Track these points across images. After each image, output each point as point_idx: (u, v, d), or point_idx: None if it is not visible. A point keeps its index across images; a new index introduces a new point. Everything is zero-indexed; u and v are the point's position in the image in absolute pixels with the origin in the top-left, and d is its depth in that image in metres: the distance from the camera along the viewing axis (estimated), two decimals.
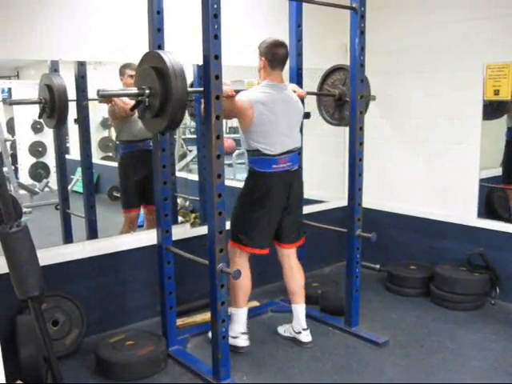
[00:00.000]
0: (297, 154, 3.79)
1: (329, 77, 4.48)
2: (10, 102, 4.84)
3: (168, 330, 3.77)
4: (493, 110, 4.70)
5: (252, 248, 3.72)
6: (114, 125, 4.69)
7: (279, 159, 3.62)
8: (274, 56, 3.62)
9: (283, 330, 4.09)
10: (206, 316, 3.83)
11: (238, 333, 3.72)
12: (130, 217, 4.70)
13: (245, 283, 3.73)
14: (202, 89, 3.10)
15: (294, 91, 3.90)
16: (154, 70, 2.99)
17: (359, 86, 3.81)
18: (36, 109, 3.86)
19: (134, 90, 3.11)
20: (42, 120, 3.95)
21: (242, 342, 3.73)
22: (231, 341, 3.64)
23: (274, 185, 3.64)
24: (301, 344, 3.92)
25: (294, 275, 3.96)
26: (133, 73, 4.46)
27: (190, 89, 3.13)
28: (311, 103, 4.54)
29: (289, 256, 3.94)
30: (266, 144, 3.59)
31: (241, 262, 3.75)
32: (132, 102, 3.26)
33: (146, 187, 4.66)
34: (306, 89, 4.26)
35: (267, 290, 4.78)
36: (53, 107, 3.70)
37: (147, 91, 3.04)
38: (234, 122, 7.50)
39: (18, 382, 3.17)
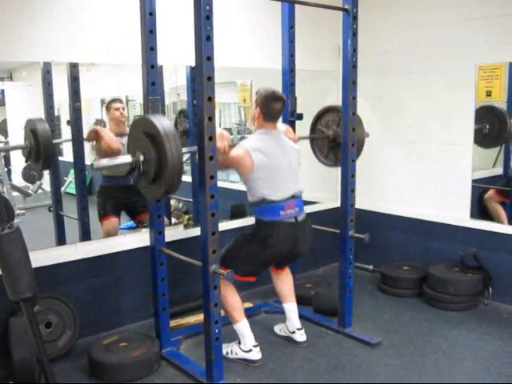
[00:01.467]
0: (301, 199, 3.77)
1: (322, 117, 4.48)
2: None
3: (161, 331, 3.77)
4: (491, 138, 4.75)
5: (239, 276, 3.57)
6: (97, 157, 4.69)
7: (286, 205, 3.61)
8: (269, 110, 3.63)
9: (279, 329, 4.10)
10: (200, 317, 3.83)
11: (251, 346, 3.67)
12: (109, 225, 4.64)
13: (233, 300, 3.67)
14: (195, 147, 3.12)
15: (289, 137, 3.90)
16: (146, 136, 3.01)
17: (351, 88, 3.81)
18: (28, 107, 3.89)
19: (128, 159, 3.12)
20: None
21: (256, 355, 3.67)
22: (244, 355, 3.67)
23: (279, 235, 3.59)
24: (295, 343, 3.93)
25: (282, 278, 4.00)
26: (118, 105, 4.66)
27: (184, 149, 3.16)
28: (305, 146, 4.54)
29: None
30: (270, 189, 3.57)
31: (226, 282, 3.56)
32: (117, 140, 3.28)
33: (131, 208, 4.70)
34: (297, 90, 4.27)
35: (260, 291, 4.77)
36: (38, 152, 3.91)
37: (141, 158, 3.06)
38: (228, 123, 7.52)
39: (11, 383, 3.16)
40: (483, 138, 4.74)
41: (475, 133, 4.66)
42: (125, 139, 4.36)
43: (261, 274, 3.82)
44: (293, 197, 3.66)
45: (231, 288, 3.68)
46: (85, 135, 4.42)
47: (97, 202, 4.77)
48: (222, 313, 3.37)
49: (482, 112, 4.64)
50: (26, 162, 4.08)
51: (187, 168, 5.54)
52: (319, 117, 4.50)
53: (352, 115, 3.85)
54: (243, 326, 3.69)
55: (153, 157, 2.97)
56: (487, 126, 4.71)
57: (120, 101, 4.74)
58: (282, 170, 3.63)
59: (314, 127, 4.53)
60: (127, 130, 4.54)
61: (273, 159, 3.58)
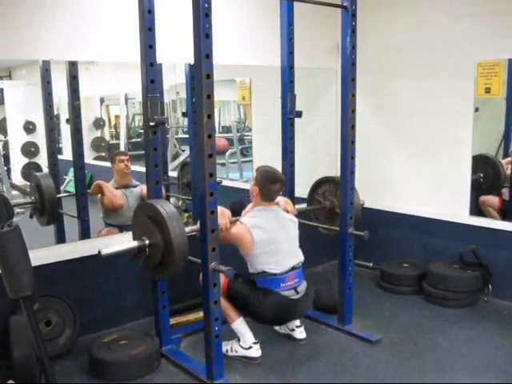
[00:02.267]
0: (301, 269, 3.81)
1: (319, 187, 4.61)
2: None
3: (161, 329, 3.78)
4: (488, 186, 4.84)
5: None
6: (102, 210, 4.74)
7: (286, 277, 3.66)
8: (268, 191, 3.74)
9: (279, 326, 4.11)
10: (199, 315, 3.83)
11: (251, 343, 3.69)
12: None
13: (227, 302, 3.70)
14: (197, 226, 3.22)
15: (287, 210, 3.95)
16: (151, 221, 3.14)
17: (351, 85, 3.82)
18: (28, 108, 3.89)
19: (135, 244, 3.21)
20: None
21: (256, 352, 3.69)
22: (244, 352, 3.69)
23: (279, 307, 3.63)
24: (295, 341, 3.94)
25: None
26: (122, 157, 4.78)
27: (187, 229, 3.28)
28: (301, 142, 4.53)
29: None
30: (271, 264, 3.63)
31: None
32: (120, 197, 3.33)
33: None
34: (296, 87, 4.27)
35: None
36: (43, 207, 4.09)
37: (147, 242, 3.17)
38: (227, 121, 7.52)
39: (10, 381, 3.16)
40: (479, 187, 4.84)
41: (471, 182, 4.75)
42: (129, 191, 4.68)
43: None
44: (293, 268, 3.71)
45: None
46: (85, 136, 4.45)
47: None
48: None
49: (476, 162, 4.73)
50: (31, 217, 4.25)
51: None
52: (316, 186, 4.63)
53: (351, 112, 3.85)
54: (240, 324, 3.71)
55: (158, 240, 3.10)
56: (481, 175, 4.79)
57: (125, 153, 4.94)
58: (282, 244, 3.70)
59: (311, 196, 4.66)
60: (132, 181, 4.75)
61: (272, 235, 3.66)
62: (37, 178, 4.17)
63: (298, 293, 3.71)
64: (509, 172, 4.81)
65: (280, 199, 3.97)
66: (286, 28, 4.20)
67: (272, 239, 3.65)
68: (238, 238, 3.62)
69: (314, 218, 4.68)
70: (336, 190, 4.41)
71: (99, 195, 4.70)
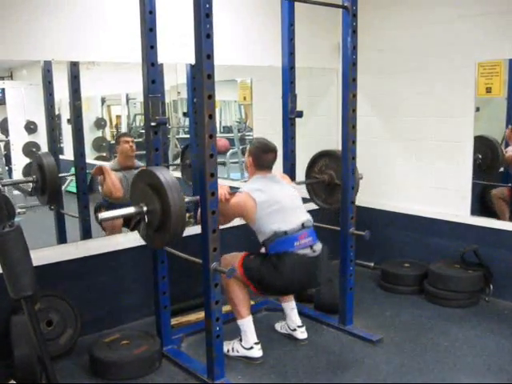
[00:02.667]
0: (313, 229, 3.76)
1: (315, 163, 4.54)
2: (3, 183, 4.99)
3: (162, 329, 3.78)
4: (486, 167, 4.81)
5: (254, 288, 3.68)
6: (101, 190, 4.75)
7: (299, 235, 3.60)
8: (261, 161, 3.75)
9: (279, 326, 4.12)
10: (201, 315, 3.82)
11: (252, 343, 3.67)
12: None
13: (242, 294, 3.68)
14: (198, 197, 3.22)
15: None
16: (149, 188, 3.12)
17: (351, 85, 3.82)
18: (30, 108, 3.89)
19: (132, 209, 3.20)
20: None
21: (257, 352, 3.67)
22: (245, 352, 3.68)
23: (296, 266, 3.55)
24: (296, 341, 3.94)
25: None
26: (127, 139, 4.77)
27: (186, 199, 3.32)
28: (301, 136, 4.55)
29: None
30: (279, 222, 3.57)
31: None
32: (120, 188, 3.32)
33: None
34: (297, 88, 4.28)
35: None
36: (44, 185, 4.02)
37: (145, 208, 3.16)
38: (228, 121, 7.52)
39: (12, 381, 3.17)
40: (478, 168, 4.78)
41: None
42: (130, 173, 4.59)
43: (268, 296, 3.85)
44: (303, 226, 3.65)
45: (240, 284, 3.69)
46: (86, 136, 4.45)
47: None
48: (225, 309, 3.38)
49: (475, 143, 4.69)
50: (32, 195, 4.23)
51: None
52: (313, 163, 4.57)
53: (352, 112, 3.85)
54: (247, 323, 3.69)
55: (156, 206, 3.08)
56: (480, 157, 4.75)
57: (130, 135, 4.92)
58: (285, 202, 3.68)
59: (308, 174, 4.60)
60: (135, 163, 4.73)
61: (273, 195, 3.64)
62: (38, 156, 4.09)
63: (314, 251, 3.64)
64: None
65: (277, 174, 3.95)
66: (287, 28, 4.20)
67: (273, 199, 3.61)
68: (241, 205, 3.59)
69: (314, 196, 4.63)
70: (332, 162, 4.36)
71: (100, 177, 4.68)
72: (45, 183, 4.01)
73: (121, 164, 4.78)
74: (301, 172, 4.56)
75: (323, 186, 4.52)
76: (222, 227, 3.21)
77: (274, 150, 3.79)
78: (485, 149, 4.82)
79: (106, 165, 4.79)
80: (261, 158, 3.75)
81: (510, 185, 4.94)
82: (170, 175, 3.12)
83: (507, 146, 4.80)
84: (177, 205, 3.02)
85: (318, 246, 3.71)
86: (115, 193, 4.60)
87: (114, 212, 3.24)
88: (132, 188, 3.36)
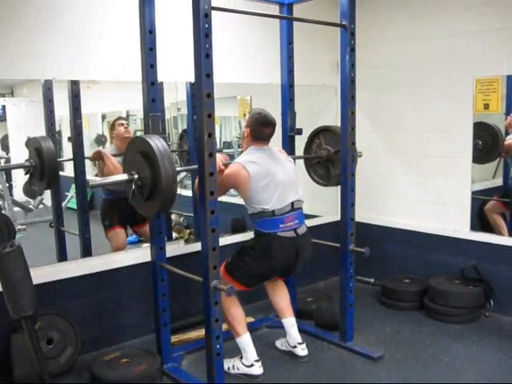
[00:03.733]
0: (302, 212, 3.78)
1: (315, 139, 4.52)
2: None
3: (163, 347, 3.77)
4: (486, 153, 4.78)
5: (241, 285, 3.68)
6: (99, 175, 4.74)
7: (285, 218, 3.62)
8: (259, 134, 3.72)
9: (280, 343, 4.11)
10: (201, 333, 3.83)
11: (252, 361, 3.67)
12: (116, 234, 4.64)
13: (236, 312, 3.69)
14: (195, 166, 3.17)
15: None
16: (141, 155, 3.08)
17: (350, 103, 3.84)
18: (30, 125, 3.90)
19: (124, 177, 3.19)
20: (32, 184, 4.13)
21: (257, 370, 3.67)
22: (246, 370, 3.68)
23: (279, 248, 3.60)
24: (297, 358, 3.93)
25: (279, 293, 4.01)
26: (122, 121, 4.72)
27: (178, 168, 3.32)
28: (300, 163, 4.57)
29: None
30: (269, 200, 3.58)
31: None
32: (121, 169, 3.31)
33: (134, 216, 4.67)
34: (297, 105, 4.30)
35: (261, 305, 4.76)
36: (42, 171, 3.90)
37: (136, 176, 3.13)
38: (228, 136, 7.54)
39: None
40: (477, 154, 4.75)
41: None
42: None
43: (257, 286, 3.81)
44: (293, 208, 3.67)
45: (234, 300, 3.69)
46: (86, 153, 4.45)
47: (100, 215, 4.80)
48: (225, 326, 3.38)
49: (475, 129, 4.67)
50: (30, 181, 4.07)
51: (188, 182, 5.57)
52: (312, 139, 4.54)
53: (351, 130, 3.87)
54: (246, 340, 3.69)
55: (147, 174, 3.04)
56: (480, 143, 4.73)
57: (124, 118, 4.80)
58: (279, 177, 3.64)
59: (307, 150, 4.58)
60: None
61: (268, 169, 3.61)
62: (36, 140, 3.97)
63: (297, 234, 3.68)
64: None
65: (275, 148, 3.92)
66: (286, 46, 4.24)
67: (267, 172, 3.59)
68: (234, 175, 3.56)
69: (312, 172, 4.60)
70: (331, 138, 4.34)
71: (100, 163, 4.65)
72: (43, 168, 3.90)
73: (118, 148, 4.70)
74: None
75: (321, 162, 4.48)
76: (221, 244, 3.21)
77: (272, 124, 3.74)
78: (485, 135, 4.80)
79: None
80: (258, 130, 3.70)
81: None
82: (162, 143, 3.06)
83: (507, 134, 4.77)
84: (168, 173, 2.98)
85: (303, 229, 3.74)
86: (115, 169, 4.47)
87: (105, 179, 3.24)
88: (125, 156, 3.32)
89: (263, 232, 3.63)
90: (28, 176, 4.04)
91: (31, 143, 3.96)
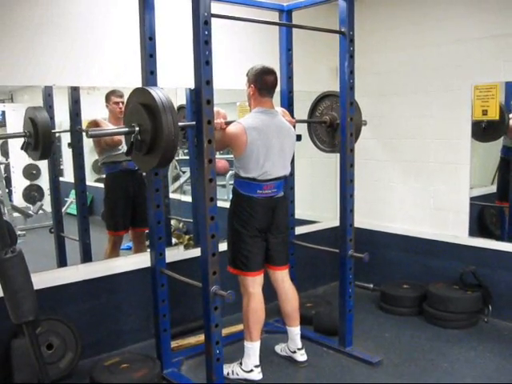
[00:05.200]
0: (283, 181, 3.78)
1: (317, 106, 4.47)
2: None
3: (163, 352, 3.78)
4: (490, 132, 4.76)
5: (248, 272, 3.69)
6: (97, 151, 4.73)
7: (264, 185, 3.62)
8: (263, 84, 3.63)
9: (280, 348, 4.11)
10: (201, 338, 3.83)
11: (252, 366, 3.68)
12: (115, 239, 4.67)
13: (258, 316, 3.70)
14: (193, 123, 3.14)
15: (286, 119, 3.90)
16: (143, 107, 3.02)
17: (349, 109, 3.86)
18: None
19: (124, 129, 3.14)
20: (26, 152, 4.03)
21: (257, 375, 3.68)
22: (245, 375, 3.68)
23: (257, 208, 3.63)
24: (296, 363, 3.94)
25: (289, 299, 3.95)
26: (117, 99, 4.57)
27: (180, 123, 3.18)
28: (303, 129, 4.56)
29: (283, 280, 3.92)
30: (256, 170, 3.58)
31: (255, 293, 3.70)
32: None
33: (135, 209, 4.68)
34: (296, 112, 4.31)
35: None
36: (37, 140, 3.81)
37: (137, 128, 3.06)
38: None
39: None
40: (482, 133, 4.74)
41: (473, 127, 4.69)
42: None
43: (263, 267, 3.80)
44: (275, 178, 3.68)
45: (261, 301, 3.71)
46: (86, 159, 4.47)
47: (104, 201, 4.83)
48: (225, 331, 3.36)
49: None
50: (23, 149, 3.98)
51: (187, 188, 5.59)
52: (315, 105, 4.48)
53: (350, 136, 3.89)
54: (255, 347, 3.69)
55: (148, 126, 2.98)
56: (485, 120, 4.71)
57: (120, 94, 4.61)
58: (273, 152, 3.62)
59: (311, 116, 4.52)
60: None
61: (266, 140, 3.58)
62: (31, 110, 3.90)
63: (271, 197, 3.69)
64: None
65: (278, 109, 3.90)
66: (285, 53, 4.25)
67: (265, 143, 3.56)
68: (234, 138, 3.54)
69: (315, 138, 4.54)
70: (335, 104, 4.27)
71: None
72: (37, 138, 3.84)
73: (113, 123, 4.63)
74: (299, 197, 4.59)
75: (324, 128, 4.42)
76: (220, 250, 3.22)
77: (273, 72, 3.69)
78: None
79: None
80: (264, 81, 3.63)
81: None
82: (165, 95, 3.00)
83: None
84: (170, 127, 2.92)
85: (279, 195, 3.75)
86: (115, 137, 4.49)
87: (104, 129, 3.13)
88: (126, 107, 3.26)
89: (240, 192, 3.65)
90: (24, 147, 3.98)
91: (26, 113, 3.91)
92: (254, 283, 3.70)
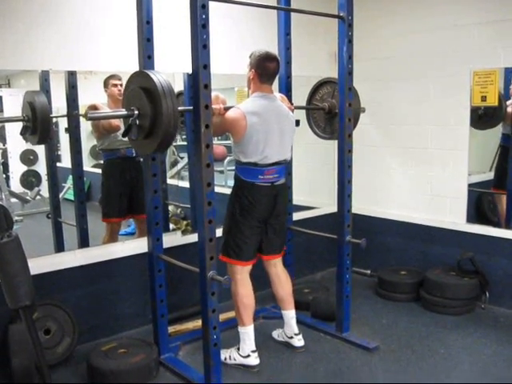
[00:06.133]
0: (284, 166, 3.76)
1: (316, 92, 4.44)
2: None
3: (160, 337, 3.79)
4: (488, 119, 4.75)
5: (238, 261, 3.69)
6: (96, 136, 4.71)
7: (266, 170, 3.59)
8: (264, 70, 3.58)
9: (277, 334, 4.12)
10: (198, 323, 3.85)
11: (249, 351, 3.68)
12: (112, 226, 4.69)
13: (248, 301, 3.70)
14: (191, 107, 3.12)
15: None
16: (142, 91, 2.99)
17: (347, 94, 3.84)
18: None
19: (123, 112, 3.12)
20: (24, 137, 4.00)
21: (254, 360, 3.69)
22: (242, 360, 3.69)
23: (259, 196, 3.61)
24: (293, 349, 3.95)
25: (282, 283, 3.96)
26: (116, 82, 4.56)
27: (180, 108, 3.15)
28: (302, 115, 4.54)
29: (275, 265, 3.94)
30: (256, 155, 3.55)
31: (242, 278, 3.71)
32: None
33: (132, 196, 4.68)
34: (294, 97, 4.29)
35: (258, 297, 4.72)
36: (35, 124, 3.78)
37: (136, 112, 3.04)
38: None
39: None
40: (479, 119, 4.74)
41: (471, 114, 4.67)
42: None
43: (255, 256, 3.79)
44: (276, 163, 3.65)
45: (249, 286, 3.72)
46: (84, 145, 4.46)
47: (101, 187, 4.82)
48: (223, 316, 3.36)
49: None
50: (22, 134, 3.95)
51: (185, 174, 5.58)
52: (314, 91, 4.46)
53: (348, 121, 3.88)
54: (248, 331, 3.70)
55: (148, 110, 2.96)
56: (482, 107, 4.70)
57: (118, 77, 4.62)
58: (272, 137, 3.59)
59: (309, 102, 4.49)
60: None
61: (265, 125, 3.55)
62: (29, 94, 3.87)
63: (272, 183, 3.67)
64: None
65: (277, 95, 3.87)
66: (283, 37, 4.22)
67: (264, 128, 3.53)
68: (233, 123, 3.50)
69: (315, 125, 4.52)
70: (334, 90, 4.25)
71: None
72: (36, 122, 3.81)
73: (111, 108, 4.64)
74: (297, 183, 4.58)
75: (323, 115, 4.39)
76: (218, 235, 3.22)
77: (276, 58, 3.64)
78: None
79: None
80: (265, 67, 3.56)
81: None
82: (165, 79, 2.96)
83: None
84: (170, 111, 2.89)
85: (280, 181, 3.73)
86: (114, 122, 4.50)
87: (103, 111, 3.11)
88: (125, 90, 3.24)
89: (242, 179, 3.62)
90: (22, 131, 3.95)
91: (25, 97, 3.88)
92: (242, 270, 3.71)
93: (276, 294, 4.01)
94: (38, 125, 3.78)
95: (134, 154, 4.58)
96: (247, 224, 3.64)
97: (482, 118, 4.73)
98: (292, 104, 4.14)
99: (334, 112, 4.23)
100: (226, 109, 3.55)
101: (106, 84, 4.64)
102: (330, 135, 4.40)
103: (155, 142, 2.99)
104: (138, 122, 3.04)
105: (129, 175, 4.67)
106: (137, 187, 4.53)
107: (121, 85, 4.56)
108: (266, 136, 3.56)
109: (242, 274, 3.71)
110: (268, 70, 3.59)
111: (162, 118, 2.89)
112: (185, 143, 5.31)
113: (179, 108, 3.11)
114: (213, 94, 3.11)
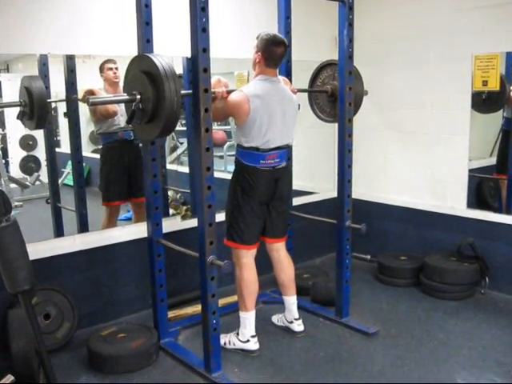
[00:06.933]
0: (286, 150, 3.73)
1: (318, 75, 4.40)
2: None
3: (159, 322, 3.79)
4: (491, 103, 4.73)
5: (242, 245, 3.68)
6: (93, 120, 4.70)
7: (267, 155, 3.56)
8: (270, 54, 3.53)
9: (276, 319, 4.13)
10: (198, 308, 3.85)
11: (249, 336, 3.69)
12: (111, 210, 4.69)
13: (252, 286, 3.69)
14: (191, 91, 3.09)
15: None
16: (145, 75, 2.96)
17: (348, 78, 3.81)
18: None
19: (125, 96, 3.09)
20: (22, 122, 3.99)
21: (253, 345, 3.69)
22: (242, 345, 3.69)
23: (260, 180, 3.59)
24: (293, 333, 3.95)
25: (284, 269, 3.95)
26: (111, 65, 4.55)
27: (183, 91, 3.10)
28: (302, 99, 4.51)
29: (278, 250, 3.93)
30: (258, 139, 3.52)
31: (248, 263, 3.69)
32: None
33: (131, 180, 4.67)
34: (295, 82, 4.26)
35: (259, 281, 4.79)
36: (32, 109, 3.77)
37: (138, 96, 3.00)
38: None
39: (10, 376, 3.17)
40: (482, 103, 4.71)
41: (473, 98, 4.65)
42: None
43: (258, 240, 3.78)
44: (277, 148, 3.62)
45: (254, 271, 3.71)
46: (82, 129, 4.44)
47: (100, 171, 4.82)
48: (222, 302, 3.36)
49: None
50: (19, 119, 3.95)
51: (184, 159, 5.56)
52: (316, 75, 4.42)
53: (348, 106, 3.85)
54: (249, 317, 3.69)
55: (150, 95, 2.92)
56: (486, 91, 4.67)
57: (113, 61, 4.60)
58: (275, 120, 3.56)
59: (311, 86, 4.46)
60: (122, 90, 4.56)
61: (269, 108, 3.52)
62: (26, 79, 3.85)
63: (273, 168, 3.64)
64: None
65: (280, 78, 3.82)
66: (284, 21, 4.18)
67: (267, 111, 3.50)
68: (236, 107, 3.46)
69: (316, 108, 4.49)
70: (335, 72, 4.19)
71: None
72: (33, 107, 3.80)
73: (107, 92, 4.63)
74: (297, 167, 4.57)
75: (325, 98, 4.34)
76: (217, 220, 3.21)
77: (283, 42, 3.56)
78: None
79: None
80: (272, 52, 3.50)
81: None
82: (167, 62, 2.92)
83: None
84: (173, 95, 2.85)
85: (282, 165, 3.71)
86: (111, 108, 4.51)
87: (105, 96, 3.09)
88: (126, 75, 3.20)
89: (243, 163, 3.60)
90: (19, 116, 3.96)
91: (21, 82, 3.87)
92: (247, 254, 3.70)
93: (278, 279, 4.00)
94: (34, 110, 3.77)
95: (132, 137, 4.58)
96: (249, 207, 3.63)
97: (485, 101, 4.70)
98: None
99: (337, 94, 4.15)
100: (229, 92, 3.51)
101: (101, 69, 4.63)
102: (334, 118, 4.34)
103: (158, 126, 2.96)
104: (140, 106, 3.01)
105: (127, 158, 4.67)
106: (136, 170, 4.53)
107: (116, 68, 4.57)
108: (269, 119, 3.53)
109: (247, 257, 3.70)
110: (275, 54, 3.54)
111: (164, 103, 2.86)
112: (184, 128, 5.28)
113: (182, 92, 3.07)
114: (215, 77, 3.08)
